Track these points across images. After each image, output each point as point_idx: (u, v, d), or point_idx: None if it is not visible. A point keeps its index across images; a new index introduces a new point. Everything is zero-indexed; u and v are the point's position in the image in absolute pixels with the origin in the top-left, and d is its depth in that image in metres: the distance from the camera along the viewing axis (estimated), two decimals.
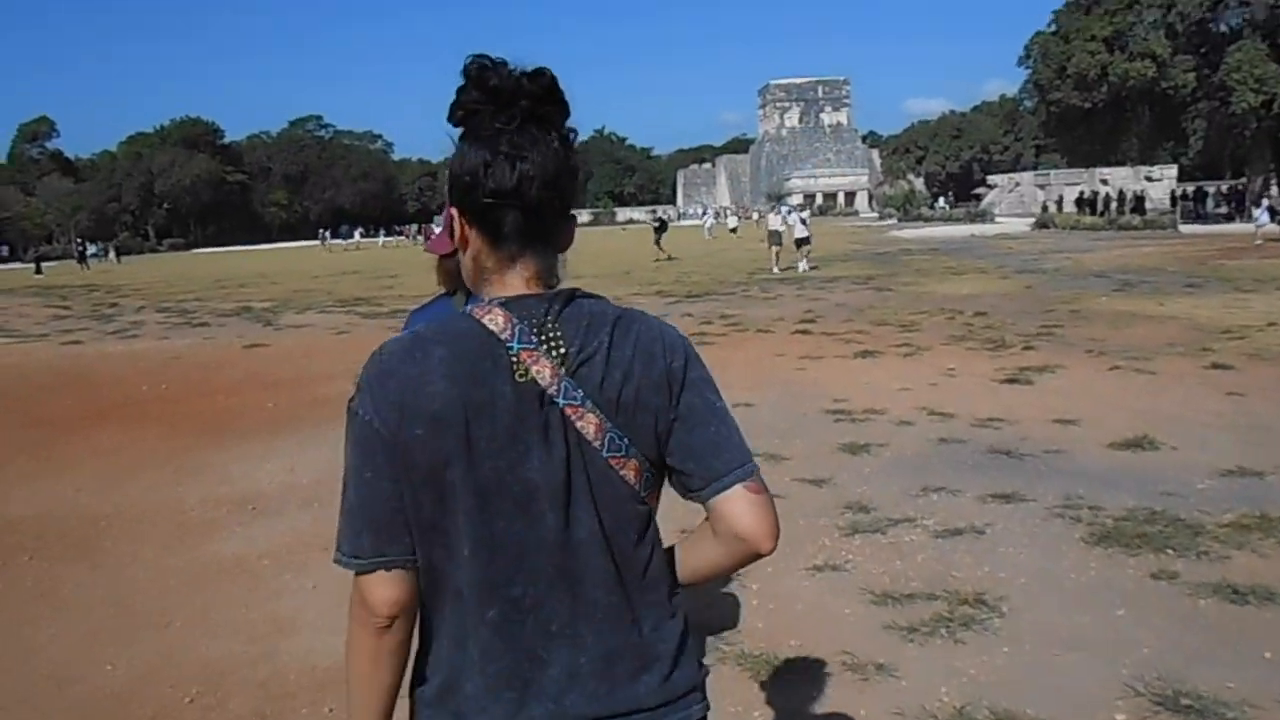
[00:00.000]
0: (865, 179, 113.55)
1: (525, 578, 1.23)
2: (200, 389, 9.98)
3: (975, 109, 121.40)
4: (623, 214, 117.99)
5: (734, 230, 54.35)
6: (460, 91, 1.24)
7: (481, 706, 1.24)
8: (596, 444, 1.23)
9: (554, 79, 1.25)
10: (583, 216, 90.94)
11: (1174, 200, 47.88)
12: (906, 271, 22.61)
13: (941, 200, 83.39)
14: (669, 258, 31.22)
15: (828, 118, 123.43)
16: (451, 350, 1.21)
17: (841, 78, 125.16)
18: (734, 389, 9.07)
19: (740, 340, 12.21)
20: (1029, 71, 52.83)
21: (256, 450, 7.23)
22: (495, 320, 1.22)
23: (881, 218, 75.17)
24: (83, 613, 4.32)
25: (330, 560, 1.30)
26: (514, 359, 1.21)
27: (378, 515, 1.21)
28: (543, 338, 1.23)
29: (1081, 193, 55.73)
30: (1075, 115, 47.81)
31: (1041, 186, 64.86)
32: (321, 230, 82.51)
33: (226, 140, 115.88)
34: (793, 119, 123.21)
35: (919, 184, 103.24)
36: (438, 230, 3.30)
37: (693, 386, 1.29)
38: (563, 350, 1.23)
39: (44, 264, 49.34)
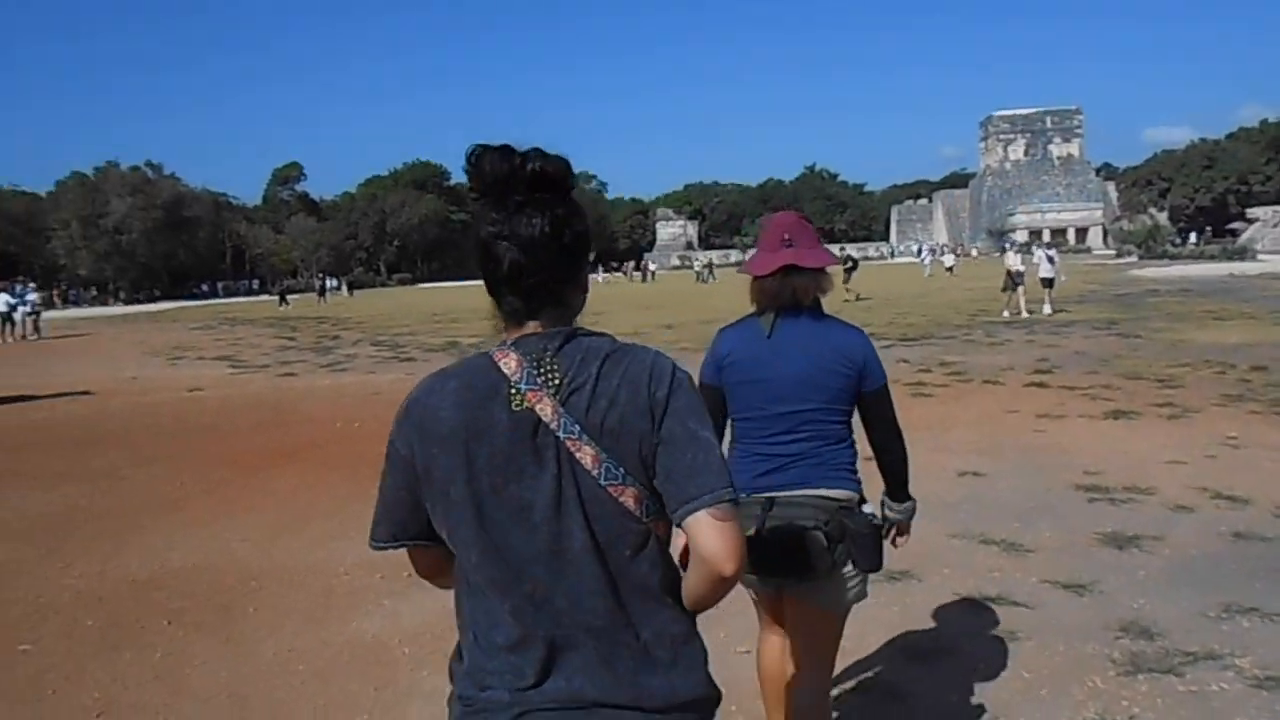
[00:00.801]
0: (1099, 213, 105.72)
1: (531, 579, 1.41)
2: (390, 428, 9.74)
3: (1230, 136, 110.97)
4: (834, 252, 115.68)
5: (950, 269, 53.00)
6: (469, 176, 1.46)
7: (502, 679, 1.43)
8: (595, 473, 1.39)
9: (546, 168, 1.42)
10: None
11: None
12: (1156, 315, 20.16)
13: (1193, 236, 76.20)
14: (858, 298, 29.43)
15: (1056, 149, 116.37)
16: (461, 383, 1.45)
17: (1073, 106, 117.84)
18: (959, 452, 7.87)
19: (964, 393, 10.85)
20: None
21: None
22: (509, 363, 1.43)
23: (1119, 255, 69.57)
24: (196, 705, 3.79)
25: None
26: (513, 391, 1.41)
27: (396, 516, 1.50)
28: (540, 370, 1.41)
29: None
30: None
31: None
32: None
33: (452, 181, 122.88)
34: (1018, 151, 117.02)
35: (1162, 219, 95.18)
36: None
37: (675, 414, 1.41)
38: (557, 381, 1.41)
39: (289, 296, 53.22)
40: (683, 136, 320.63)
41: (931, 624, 4.26)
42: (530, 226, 1.42)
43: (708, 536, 1.37)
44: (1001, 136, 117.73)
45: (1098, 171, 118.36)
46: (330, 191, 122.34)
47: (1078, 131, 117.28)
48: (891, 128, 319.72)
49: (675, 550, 1.52)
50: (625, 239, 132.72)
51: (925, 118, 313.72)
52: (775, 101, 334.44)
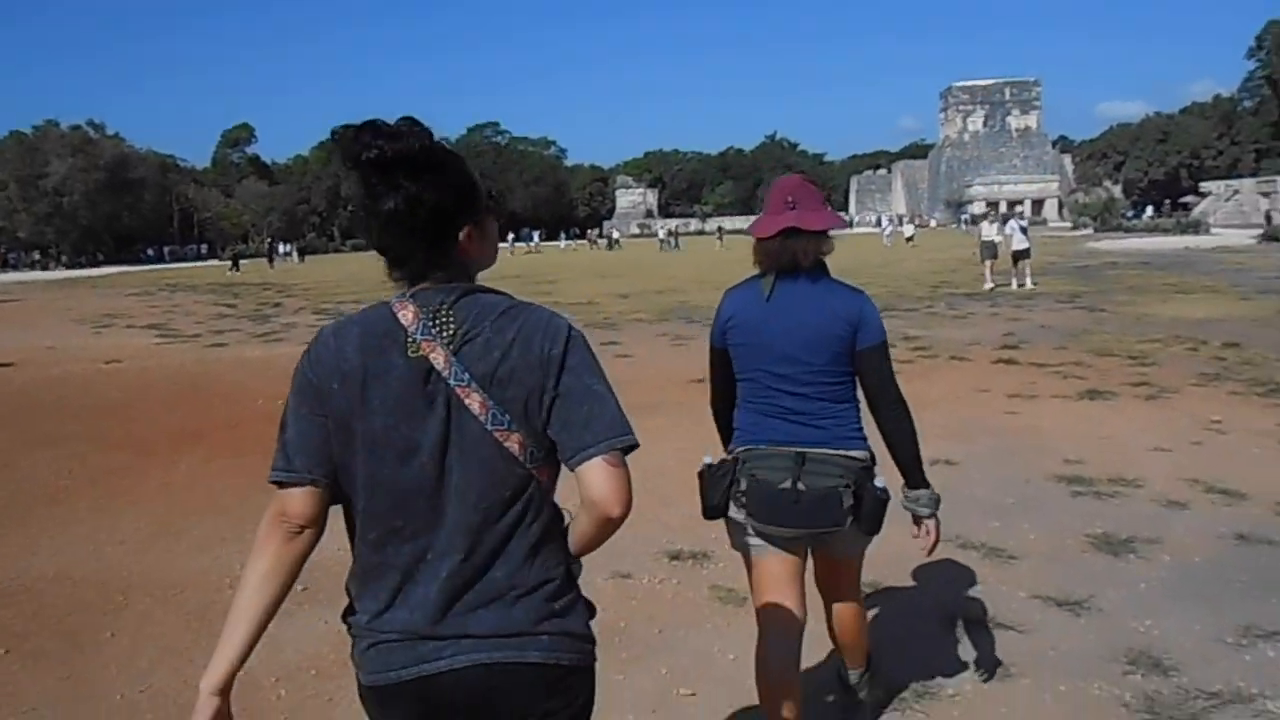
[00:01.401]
0: (1055, 186, 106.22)
1: (405, 513, 1.51)
2: None
3: (1184, 111, 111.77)
4: None
5: (910, 239, 53.67)
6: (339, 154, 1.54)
7: (361, 606, 1.55)
8: (482, 419, 1.49)
9: (395, 150, 1.47)
10: (723, 224, 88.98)
11: None
12: (1118, 289, 19.78)
13: (1150, 209, 76.79)
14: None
15: (1015, 121, 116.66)
16: (363, 329, 1.55)
17: (1032, 78, 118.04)
18: (928, 438, 6.88)
19: (930, 369, 10.28)
20: (1257, 65, 47.28)
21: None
22: (405, 315, 1.53)
23: (1076, 227, 69.80)
24: None
25: None
26: (410, 339, 1.50)
27: (308, 444, 1.53)
28: (435, 322, 1.51)
29: None
30: None
31: (1266, 194, 58.44)
32: (510, 235, 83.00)
33: None
34: (977, 123, 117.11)
35: (1117, 192, 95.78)
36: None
37: (571, 370, 1.52)
38: (451, 331, 1.51)
39: (241, 261, 51.42)
40: (643, 104, 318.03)
41: (903, 653, 3.62)
42: (385, 204, 1.49)
43: (599, 480, 1.48)
44: (961, 108, 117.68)
45: (1054, 144, 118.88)
46: (283, 154, 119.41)
47: (1035, 104, 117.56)
48: (851, 98, 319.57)
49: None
50: (585, 206, 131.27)
51: (884, 89, 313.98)
52: (736, 70, 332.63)
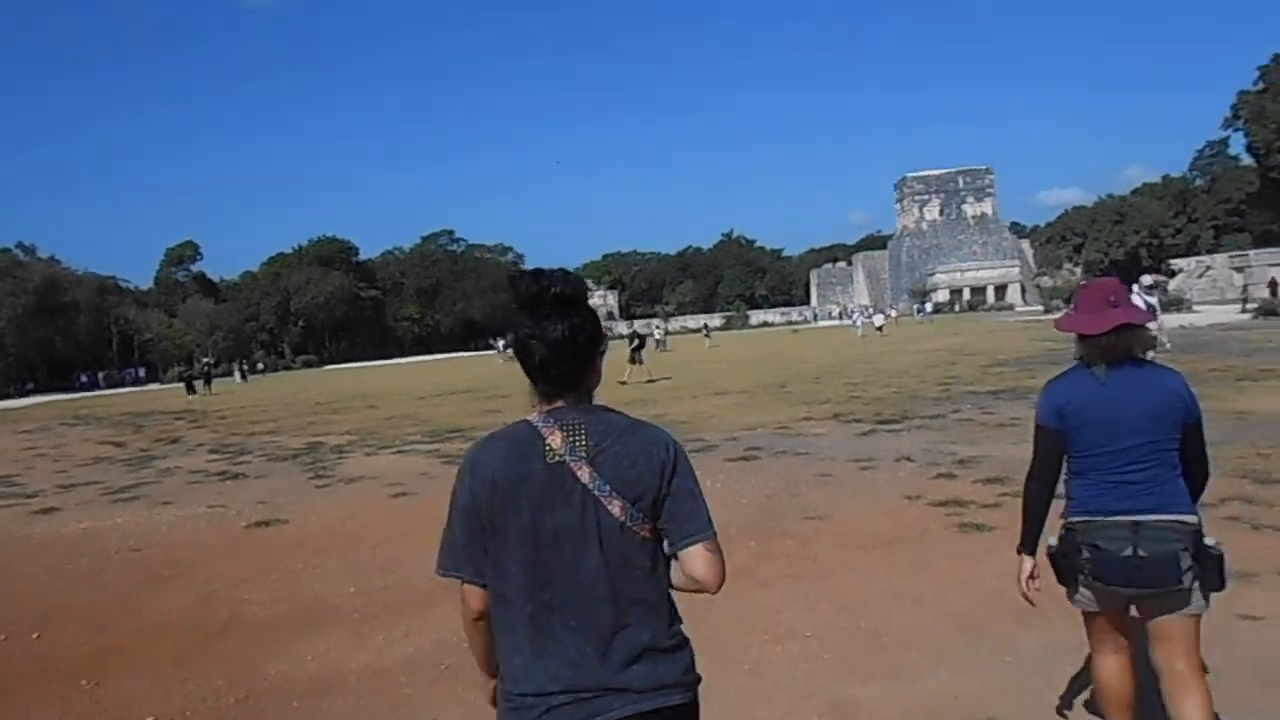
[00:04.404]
0: (1016, 270, 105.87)
1: (553, 588, 1.95)
2: (81, 646, 5.59)
3: (1134, 192, 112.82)
4: (756, 317, 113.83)
5: (880, 329, 52.51)
6: (510, 293, 2.08)
7: (529, 672, 1.95)
8: (622, 519, 1.95)
9: (565, 290, 2.03)
10: (714, 321, 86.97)
11: None
12: None
13: (1135, 287, 75.45)
14: (649, 380, 26.23)
15: (970, 209, 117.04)
16: (508, 443, 2.03)
17: (983, 166, 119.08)
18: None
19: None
20: (1204, 145, 46.32)
21: None
22: (554, 439, 1.99)
23: (1047, 310, 68.33)
24: None
25: None
26: (548, 449, 1.98)
27: (456, 548, 2.03)
28: (573, 440, 1.98)
29: None
30: None
31: (1239, 269, 57.08)
32: (496, 339, 76.42)
33: (361, 258, 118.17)
34: (933, 212, 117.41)
35: (1079, 274, 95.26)
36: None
37: (679, 475, 2.01)
38: (584, 443, 1.98)
39: (195, 382, 45.80)
40: (600, 207, 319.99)
41: None
42: (554, 331, 2.00)
43: (700, 564, 1.98)
44: (917, 197, 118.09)
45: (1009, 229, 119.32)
46: (230, 271, 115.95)
47: (989, 191, 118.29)
48: (802, 195, 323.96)
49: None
50: None
51: (833, 185, 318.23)
52: (690, 172, 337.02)
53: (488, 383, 34.10)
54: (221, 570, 7.29)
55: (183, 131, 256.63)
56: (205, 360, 59.22)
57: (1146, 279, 16.13)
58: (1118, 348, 2.97)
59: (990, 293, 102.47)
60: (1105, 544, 2.93)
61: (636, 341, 29.03)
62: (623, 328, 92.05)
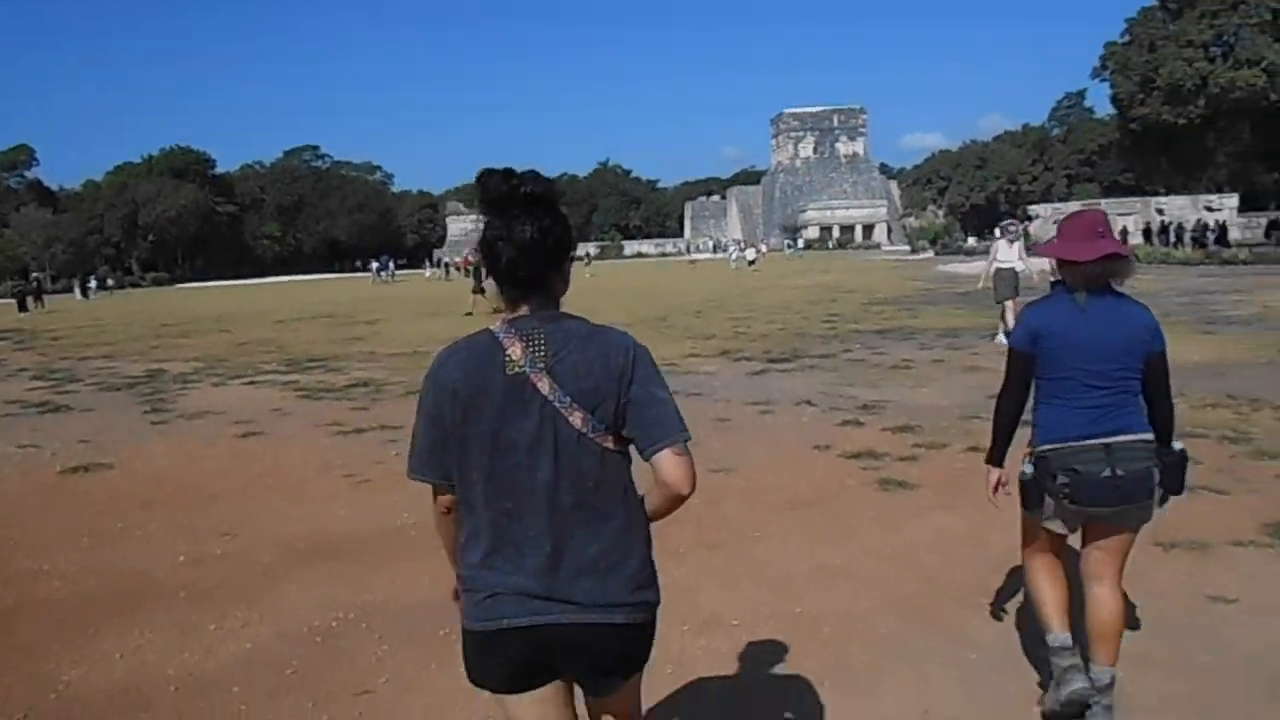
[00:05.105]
0: (884, 211, 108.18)
1: (511, 497, 1.98)
2: None
3: (997, 139, 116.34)
4: (630, 247, 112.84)
5: (752, 263, 54.21)
6: (478, 191, 2.02)
7: (485, 570, 2.00)
8: (583, 429, 1.96)
9: (535, 190, 1.97)
10: (590, 249, 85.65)
11: (1270, 230, 42.06)
12: None
13: (999, 231, 78.39)
14: (496, 310, 24.21)
15: (843, 148, 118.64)
16: (469, 353, 2.03)
17: (857, 106, 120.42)
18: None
19: (955, 476, 6.51)
20: (1063, 96, 47.70)
21: None
22: (515, 350, 1.97)
23: (914, 251, 70.01)
24: None
25: None
26: (507, 359, 1.97)
27: (422, 453, 2.06)
28: (533, 348, 1.97)
29: (1149, 224, 50.17)
30: (1161, 133, 42.07)
31: None
32: (371, 260, 69.27)
33: (218, 171, 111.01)
34: (807, 149, 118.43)
35: (941, 215, 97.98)
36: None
37: (639, 381, 1.98)
38: (544, 352, 1.97)
39: (28, 299, 41.69)
40: (473, 128, 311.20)
41: None
42: (523, 232, 1.95)
43: (670, 467, 1.96)
44: (792, 134, 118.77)
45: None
46: (71, 181, 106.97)
47: (862, 131, 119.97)
48: (678, 128, 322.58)
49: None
50: (414, 234, 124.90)
51: (708, 119, 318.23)
52: (566, 98, 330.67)
53: (353, 306, 32.31)
54: (19, 531, 6.03)
55: (17, 27, 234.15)
56: (35, 275, 54.45)
57: (1012, 224, 15.91)
58: (1102, 276, 3.10)
59: (859, 231, 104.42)
60: (1083, 467, 3.04)
61: (483, 271, 27.23)
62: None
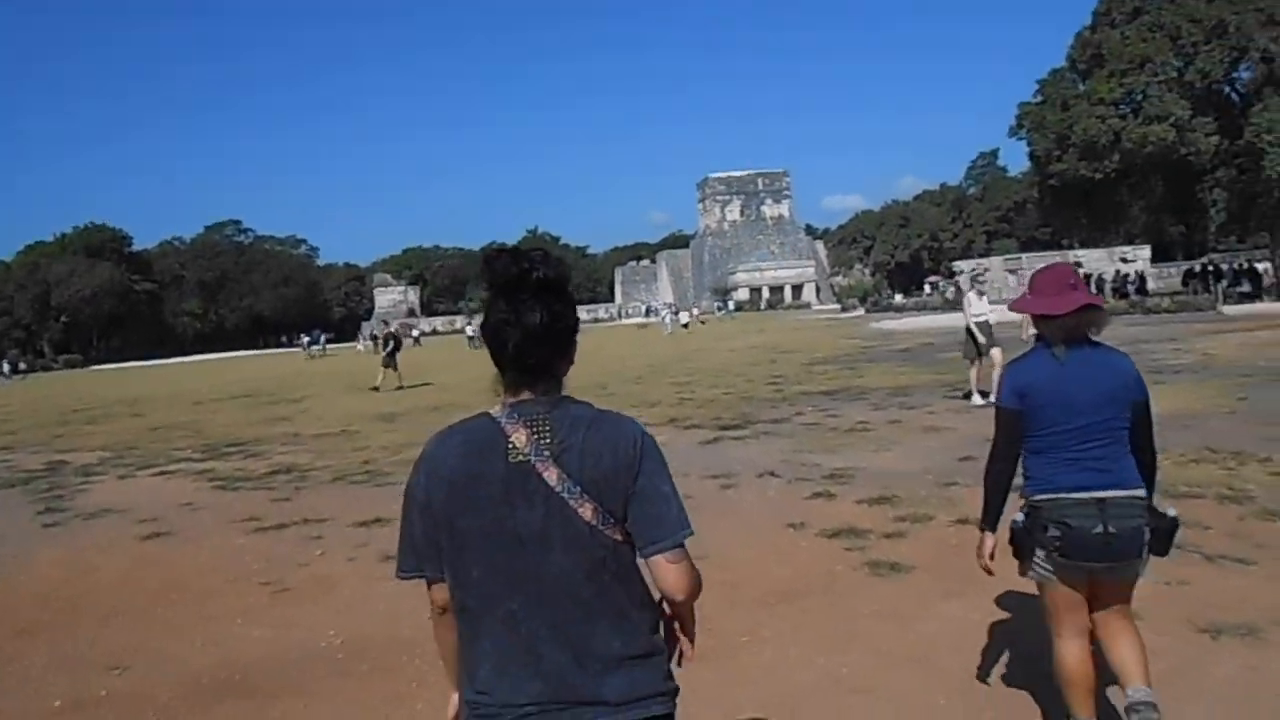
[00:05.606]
0: (811, 270, 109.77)
1: (517, 595, 1.81)
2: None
3: (917, 198, 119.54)
4: None
5: (685, 326, 55.81)
6: (483, 273, 1.92)
7: (495, 683, 1.81)
8: (594, 522, 1.81)
9: (548, 274, 1.86)
10: None
11: (1186, 279, 43.33)
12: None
13: (928, 287, 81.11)
14: (399, 386, 22.95)
15: (769, 210, 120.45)
16: (466, 439, 1.90)
17: (780, 170, 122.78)
18: None
19: (947, 554, 5.89)
20: (977, 156, 49.24)
21: None
22: (519, 437, 1.84)
23: (844, 309, 70.86)
24: None
25: None
26: (510, 447, 1.84)
27: (417, 546, 1.91)
28: (538, 435, 1.84)
29: None
30: (1079, 188, 43.24)
31: (1012, 271, 60.85)
32: (301, 335, 68.61)
33: (135, 248, 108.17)
34: (734, 212, 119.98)
35: (867, 274, 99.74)
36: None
37: (645, 474, 1.86)
38: (549, 440, 1.84)
39: None
40: (400, 199, 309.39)
41: None
42: (532, 318, 1.84)
43: (664, 575, 1.86)
44: (718, 198, 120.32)
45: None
46: None
47: (787, 193, 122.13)
48: (606, 191, 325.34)
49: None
50: (340, 307, 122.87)
51: (634, 185, 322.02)
52: (491, 165, 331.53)
53: (277, 384, 31.00)
54: None
55: None
56: None
57: (963, 279, 15.70)
58: (1079, 328, 3.10)
59: (788, 291, 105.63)
60: (1076, 522, 3.00)
61: (391, 344, 24.57)
62: (423, 325, 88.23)
